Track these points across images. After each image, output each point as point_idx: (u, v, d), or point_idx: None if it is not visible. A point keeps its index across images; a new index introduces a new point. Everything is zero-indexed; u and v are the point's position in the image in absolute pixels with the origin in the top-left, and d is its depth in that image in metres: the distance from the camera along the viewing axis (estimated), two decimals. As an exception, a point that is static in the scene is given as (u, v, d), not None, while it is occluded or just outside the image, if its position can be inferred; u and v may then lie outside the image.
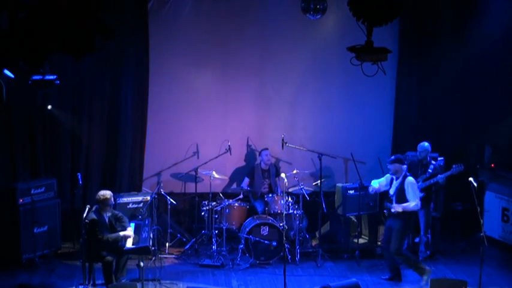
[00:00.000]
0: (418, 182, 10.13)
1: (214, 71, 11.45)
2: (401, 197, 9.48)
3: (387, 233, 9.69)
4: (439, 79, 11.72)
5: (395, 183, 9.60)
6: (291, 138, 11.37)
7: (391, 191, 9.64)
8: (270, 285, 9.76)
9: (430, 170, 10.24)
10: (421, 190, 10.12)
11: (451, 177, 10.45)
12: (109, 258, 9.05)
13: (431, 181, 10.23)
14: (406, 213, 9.47)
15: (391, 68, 11.35)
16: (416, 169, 10.38)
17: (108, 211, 9.22)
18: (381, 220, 11.13)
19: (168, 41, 11.25)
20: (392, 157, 9.70)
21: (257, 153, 11.51)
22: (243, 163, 11.74)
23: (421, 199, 10.10)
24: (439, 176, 10.22)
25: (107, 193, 9.22)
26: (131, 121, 11.22)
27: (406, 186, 9.46)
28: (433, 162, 10.35)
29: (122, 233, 9.19)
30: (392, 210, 9.49)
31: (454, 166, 10.25)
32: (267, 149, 11.26)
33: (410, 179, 9.52)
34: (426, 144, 10.44)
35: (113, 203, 9.42)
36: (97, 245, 8.99)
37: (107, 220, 9.18)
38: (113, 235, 9.15)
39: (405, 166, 9.60)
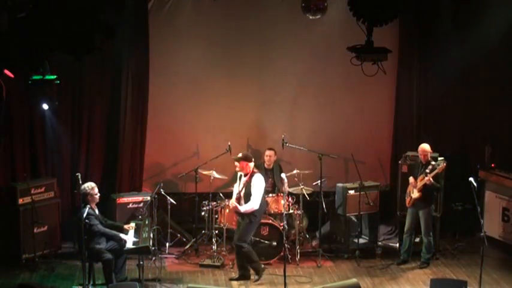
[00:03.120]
0: (415, 183, 10.12)
1: (215, 71, 11.44)
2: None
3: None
4: (439, 79, 11.72)
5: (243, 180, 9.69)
6: (291, 138, 11.36)
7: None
8: (270, 285, 9.75)
9: (427, 171, 10.21)
10: (418, 190, 10.12)
11: (443, 176, 10.47)
12: (109, 256, 9.05)
13: (425, 179, 10.16)
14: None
15: (391, 68, 11.34)
16: (417, 169, 10.34)
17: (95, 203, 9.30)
18: (381, 220, 11.17)
19: (168, 41, 11.24)
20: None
21: (259, 153, 11.50)
22: (243, 163, 11.72)
23: (418, 199, 10.11)
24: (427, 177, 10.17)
25: (91, 183, 9.33)
26: (131, 120, 11.22)
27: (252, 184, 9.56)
28: (432, 163, 10.30)
29: (122, 235, 9.20)
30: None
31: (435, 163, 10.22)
32: (270, 149, 11.24)
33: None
34: (422, 145, 10.38)
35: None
36: (95, 240, 9.01)
37: (97, 213, 9.24)
38: (112, 232, 9.17)
39: (252, 164, 9.66)
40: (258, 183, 9.57)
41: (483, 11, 11.06)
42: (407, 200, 10.34)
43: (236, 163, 9.69)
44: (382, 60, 7.03)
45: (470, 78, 11.76)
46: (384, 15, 6.69)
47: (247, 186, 9.57)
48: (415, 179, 10.23)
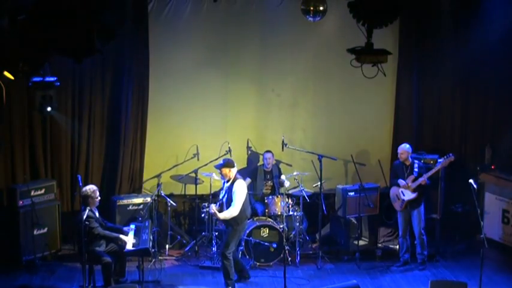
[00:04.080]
0: (407, 184, 10.15)
1: (215, 73, 11.44)
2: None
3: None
4: (439, 81, 11.74)
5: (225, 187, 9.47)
6: (291, 140, 11.38)
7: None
8: (270, 287, 9.75)
9: (416, 170, 10.23)
10: (412, 191, 10.12)
11: (443, 178, 10.52)
12: (108, 259, 9.05)
13: (420, 180, 10.18)
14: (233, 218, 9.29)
15: (391, 70, 11.35)
16: (402, 171, 10.34)
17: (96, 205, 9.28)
18: (381, 222, 11.16)
19: (168, 43, 11.25)
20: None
21: (258, 155, 11.51)
22: (243, 165, 11.73)
23: (411, 200, 10.10)
24: (424, 175, 10.19)
25: (93, 186, 9.33)
26: (131, 123, 11.22)
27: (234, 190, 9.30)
28: (416, 161, 10.33)
29: (122, 237, 9.20)
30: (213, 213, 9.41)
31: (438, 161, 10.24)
32: (268, 151, 11.25)
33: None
34: (407, 146, 10.40)
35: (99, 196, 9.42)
36: (94, 242, 9.01)
37: (97, 214, 9.23)
38: (112, 234, 9.17)
39: (235, 169, 9.43)
40: (240, 189, 9.27)
41: (483, 12, 11.06)
42: (397, 203, 10.31)
43: (218, 170, 9.53)
44: (382, 62, 7.02)
45: (470, 80, 11.77)
46: (383, 17, 6.69)
47: (229, 192, 9.32)
48: (404, 180, 10.24)
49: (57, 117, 10.71)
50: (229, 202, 9.30)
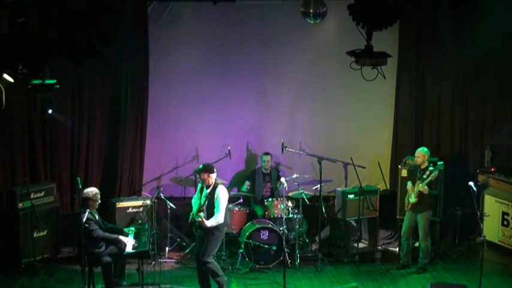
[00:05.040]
0: (413, 188, 10.10)
1: (214, 76, 11.45)
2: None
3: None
4: (439, 83, 11.74)
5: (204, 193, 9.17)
6: (291, 142, 11.38)
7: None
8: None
9: (425, 176, 10.17)
10: (415, 196, 10.10)
11: (443, 181, 10.52)
12: (108, 259, 9.04)
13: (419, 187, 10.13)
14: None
15: (390, 73, 11.35)
16: (415, 174, 10.31)
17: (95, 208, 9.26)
18: (380, 224, 11.14)
19: (168, 45, 11.25)
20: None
21: (258, 157, 11.51)
22: (243, 167, 11.74)
23: (416, 204, 10.08)
24: (420, 184, 10.14)
25: (94, 189, 9.27)
26: (131, 125, 11.24)
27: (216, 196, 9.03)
28: (430, 168, 10.25)
29: (121, 238, 9.19)
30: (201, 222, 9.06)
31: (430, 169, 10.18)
32: (267, 153, 11.25)
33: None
34: (425, 149, 10.36)
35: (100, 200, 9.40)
36: (94, 245, 9.01)
37: (97, 217, 9.22)
38: (112, 236, 9.17)
39: (215, 175, 9.14)
40: (222, 195, 9.00)
41: (482, 14, 11.07)
42: (406, 203, 10.33)
43: (197, 175, 9.31)
44: (382, 64, 7.03)
45: (470, 82, 11.77)
46: (383, 20, 6.69)
47: (210, 198, 8.99)
48: (413, 183, 10.21)
49: (56, 120, 10.72)
50: (211, 209, 8.99)
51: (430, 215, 10.25)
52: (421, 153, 10.24)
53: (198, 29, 11.29)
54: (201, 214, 9.03)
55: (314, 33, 11.33)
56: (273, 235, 10.37)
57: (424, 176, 10.04)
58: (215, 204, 8.97)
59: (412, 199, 10.14)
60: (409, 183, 10.26)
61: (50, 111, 9.77)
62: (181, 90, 11.49)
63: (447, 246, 11.19)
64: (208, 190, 9.08)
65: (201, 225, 9.03)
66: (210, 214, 8.99)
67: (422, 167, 10.20)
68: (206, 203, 9.06)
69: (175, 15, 11.20)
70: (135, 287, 9.48)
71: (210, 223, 8.96)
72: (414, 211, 10.23)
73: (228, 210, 9.30)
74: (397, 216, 10.95)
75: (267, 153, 11.26)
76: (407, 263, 10.44)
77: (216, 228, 9.03)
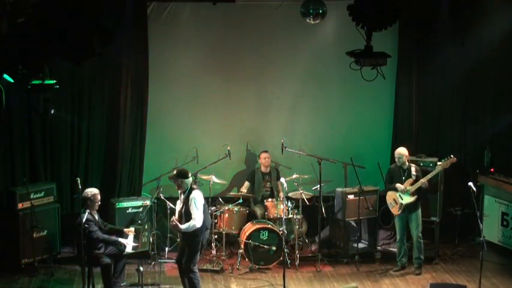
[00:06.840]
0: (405, 188, 10.10)
1: (214, 76, 11.44)
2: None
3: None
4: (439, 84, 11.74)
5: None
6: (291, 142, 11.37)
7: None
8: (269, 289, 9.77)
9: (414, 173, 10.18)
10: (412, 195, 10.10)
11: (443, 180, 10.54)
12: (108, 260, 9.05)
13: (419, 182, 10.13)
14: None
15: (390, 73, 11.34)
16: (399, 175, 10.30)
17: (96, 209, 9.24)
18: (380, 225, 11.14)
19: (167, 46, 11.25)
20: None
21: (257, 157, 11.50)
22: (242, 167, 11.74)
23: (409, 204, 10.08)
24: (424, 178, 10.15)
25: (94, 190, 9.25)
26: (131, 126, 11.23)
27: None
28: (412, 165, 10.28)
29: (121, 240, 9.20)
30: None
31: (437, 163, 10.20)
32: (265, 151, 11.25)
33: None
34: (404, 149, 10.36)
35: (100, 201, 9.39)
36: (94, 246, 9.01)
37: (97, 218, 9.22)
38: (111, 238, 9.16)
39: (189, 180, 8.96)
40: (196, 199, 8.80)
41: (483, 14, 11.08)
42: (395, 208, 10.26)
43: (172, 181, 9.19)
44: (382, 65, 7.03)
45: (470, 83, 11.76)
46: (383, 20, 6.70)
47: (186, 204, 8.82)
48: (401, 184, 10.21)
49: (56, 120, 10.71)
50: (187, 214, 8.83)
51: (420, 211, 10.26)
52: (405, 153, 10.27)
53: (197, 30, 11.28)
54: (173, 218, 8.92)
55: (314, 34, 11.32)
56: (272, 235, 10.36)
57: (414, 173, 10.07)
58: (190, 210, 8.82)
59: (408, 198, 10.11)
60: (399, 185, 10.21)
61: (52, 111, 9.80)
62: (181, 90, 11.49)
63: (447, 247, 11.18)
64: (184, 196, 8.95)
65: (176, 229, 8.96)
66: (187, 220, 8.84)
67: (405, 166, 10.22)
68: (183, 208, 8.91)
69: (175, 16, 11.20)
70: (135, 287, 9.47)
71: (185, 227, 8.78)
72: (408, 211, 10.19)
73: (208, 214, 9.16)
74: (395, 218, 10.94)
75: (265, 151, 11.24)
76: (405, 264, 10.43)
77: (194, 233, 8.85)
